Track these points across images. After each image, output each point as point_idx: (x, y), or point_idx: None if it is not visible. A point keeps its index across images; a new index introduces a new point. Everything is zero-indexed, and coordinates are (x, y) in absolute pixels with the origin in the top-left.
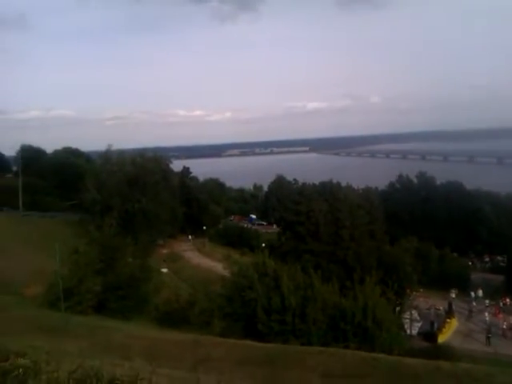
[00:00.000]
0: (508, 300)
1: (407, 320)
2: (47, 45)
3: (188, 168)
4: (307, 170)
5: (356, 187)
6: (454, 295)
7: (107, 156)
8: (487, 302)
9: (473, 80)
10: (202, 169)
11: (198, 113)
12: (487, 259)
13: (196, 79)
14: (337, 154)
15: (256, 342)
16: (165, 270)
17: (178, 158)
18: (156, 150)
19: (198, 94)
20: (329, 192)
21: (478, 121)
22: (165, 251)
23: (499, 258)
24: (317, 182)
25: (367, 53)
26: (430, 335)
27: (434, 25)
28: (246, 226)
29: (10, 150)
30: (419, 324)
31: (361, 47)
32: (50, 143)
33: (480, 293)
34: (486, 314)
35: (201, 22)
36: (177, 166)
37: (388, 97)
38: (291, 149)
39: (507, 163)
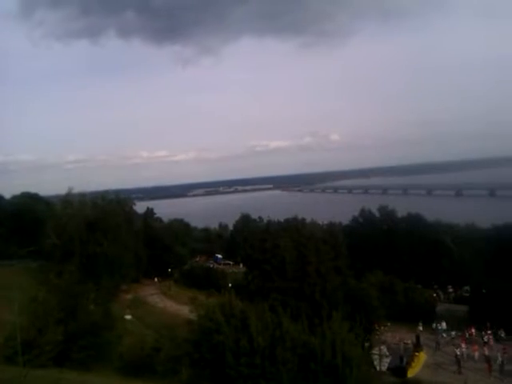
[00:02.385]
0: (473, 330)
1: (376, 356)
2: (4, 89)
3: (152, 209)
4: (272, 207)
5: (320, 223)
6: (421, 328)
7: (67, 200)
8: (453, 333)
9: (426, 117)
10: (166, 210)
11: (161, 153)
12: (451, 290)
13: (159, 120)
14: (300, 190)
15: None
16: (129, 317)
17: (141, 199)
18: (119, 192)
19: (161, 135)
20: (294, 228)
21: (435, 155)
22: (129, 296)
23: (465, 287)
24: (282, 219)
25: (327, 92)
26: (399, 370)
27: (390, 64)
28: (212, 266)
29: None
30: (388, 359)
31: (320, 87)
32: (8, 188)
33: (444, 325)
34: (463, 345)
35: (163, 65)
36: (141, 207)
37: (348, 134)
38: (255, 187)
39: (465, 194)
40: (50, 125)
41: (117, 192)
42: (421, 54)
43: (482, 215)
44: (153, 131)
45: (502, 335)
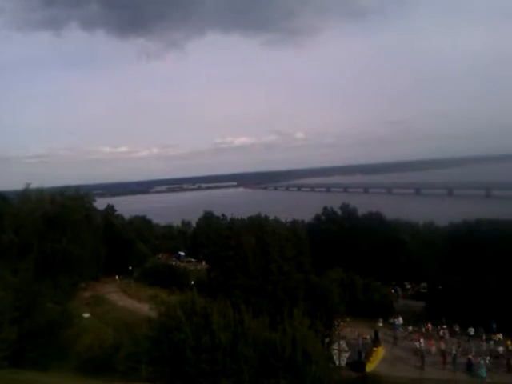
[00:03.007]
0: (430, 326)
1: (336, 351)
2: None
3: (112, 206)
4: (235, 204)
5: (284, 220)
6: (381, 324)
7: (25, 195)
8: (410, 328)
9: (388, 116)
10: (128, 206)
11: (123, 149)
12: (409, 286)
13: (122, 115)
14: (264, 188)
15: None
16: (87, 315)
17: (102, 195)
18: (79, 188)
19: (124, 130)
20: (257, 226)
21: (396, 154)
22: (87, 294)
23: (423, 284)
24: (245, 217)
25: (291, 90)
26: (358, 365)
27: (352, 63)
28: (174, 263)
29: None
30: (347, 354)
31: (285, 84)
32: None
33: (401, 320)
34: (421, 340)
35: (127, 59)
36: (101, 204)
37: (312, 132)
38: (219, 184)
39: (424, 194)
40: (8, 118)
41: (77, 188)
42: (385, 53)
43: (440, 214)
44: (115, 126)
45: (457, 329)
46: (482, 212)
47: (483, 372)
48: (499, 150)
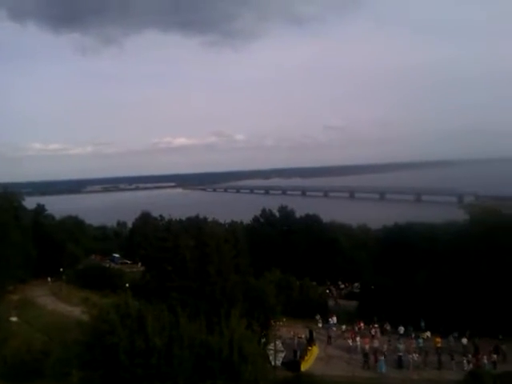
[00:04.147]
0: (362, 324)
1: (272, 351)
2: None
3: (43, 205)
4: (174, 205)
5: (222, 222)
6: (320, 324)
7: None
8: (343, 327)
9: (327, 121)
10: (59, 206)
11: (55, 146)
12: (343, 286)
13: (55, 111)
14: (203, 189)
15: None
16: (14, 319)
17: (32, 194)
18: (8, 186)
19: (56, 126)
20: (195, 227)
21: (334, 159)
22: (16, 297)
23: (356, 284)
24: (183, 218)
25: (232, 92)
26: (293, 364)
27: (293, 68)
28: (108, 265)
29: None
30: (283, 354)
31: (225, 86)
32: None
33: (334, 319)
34: (357, 339)
35: (61, 54)
36: (31, 203)
37: (252, 134)
38: (157, 184)
39: (358, 197)
40: None
41: (5, 186)
42: (325, 59)
43: (373, 216)
44: (47, 122)
45: (388, 328)
46: (413, 216)
47: (382, 367)
48: (432, 157)
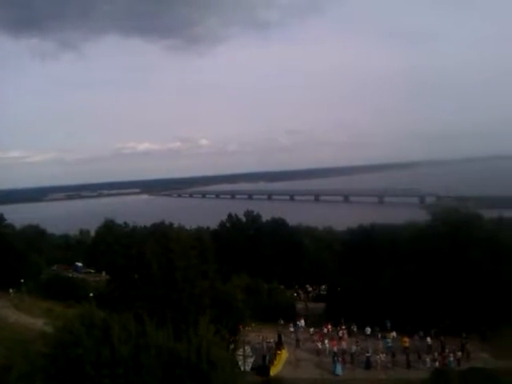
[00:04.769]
0: (330, 326)
1: (241, 356)
2: None
3: (1, 214)
4: (138, 212)
5: (188, 227)
6: (291, 329)
7: None
8: (312, 329)
9: (289, 125)
10: (19, 215)
11: (15, 154)
12: (310, 289)
13: (13, 118)
14: (168, 195)
15: None
16: None
17: None
18: None
19: (15, 133)
20: (161, 234)
21: (298, 162)
22: None
23: (323, 286)
24: (149, 224)
25: (195, 97)
26: (262, 369)
27: (255, 73)
28: (71, 275)
29: None
30: (252, 359)
31: (188, 91)
32: None
33: (302, 322)
34: (326, 341)
35: (20, 59)
36: None
37: (216, 140)
38: (121, 191)
39: (322, 200)
40: None
41: None
42: (286, 64)
43: (338, 219)
44: (5, 130)
45: (355, 329)
46: (376, 217)
47: (338, 369)
48: (395, 159)
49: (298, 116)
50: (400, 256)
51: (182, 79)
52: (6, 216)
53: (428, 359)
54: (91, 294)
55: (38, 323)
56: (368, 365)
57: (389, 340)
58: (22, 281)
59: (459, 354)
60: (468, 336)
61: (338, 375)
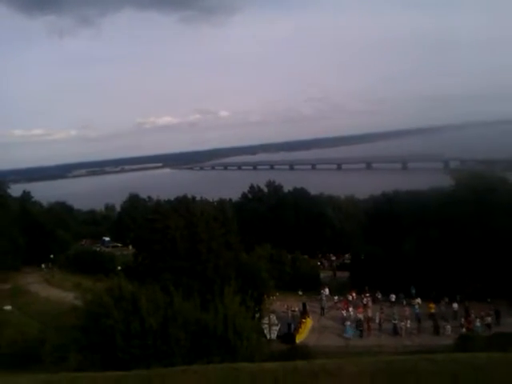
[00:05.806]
0: (354, 294)
1: (266, 325)
2: None
3: (29, 192)
4: (161, 186)
5: (211, 200)
6: (327, 291)
7: None
8: (336, 298)
9: (310, 93)
10: (46, 192)
11: (38, 132)
12: (333, 258)
13: (34, 96)
14: (190, 168)
15: (114, 372)
16: (8, 308)
17: (17, 181)
18: None
19: (37, 112)
20: (184, 207)
21: (319, 131)
22: (7, 286)
23: (346, 255)
24: (172, 198)
25: (213, 68)
26: (288, 337)
27: (273, 42)
28: (98, 249)
29: None
30: (277, 327)
31: (206, 63)
32: None
33: (327, 291)
34: (350, 309)
35: (38, 37)
36: (16, 190)
37: (236, 111)
38: (144, 165)
39: (345, 169)
40: None
41: None
42: (305, 32)
43: (361, 187)
44: (27, 108)
45: (379, 297)
46: (399, 184)
47: (348, 332)
48: (417, 124)
49: (317, 84)
50: (424, 223)
51: (198, 51)
52: (33, 194)
53: (448, 326)
54: (119, 268)
55: (69, 297)
56: (395, 331)
57: (416, 306)
58: (52, 256)
59: (489, 319)
60: (493, 301)
61: (348, 338)
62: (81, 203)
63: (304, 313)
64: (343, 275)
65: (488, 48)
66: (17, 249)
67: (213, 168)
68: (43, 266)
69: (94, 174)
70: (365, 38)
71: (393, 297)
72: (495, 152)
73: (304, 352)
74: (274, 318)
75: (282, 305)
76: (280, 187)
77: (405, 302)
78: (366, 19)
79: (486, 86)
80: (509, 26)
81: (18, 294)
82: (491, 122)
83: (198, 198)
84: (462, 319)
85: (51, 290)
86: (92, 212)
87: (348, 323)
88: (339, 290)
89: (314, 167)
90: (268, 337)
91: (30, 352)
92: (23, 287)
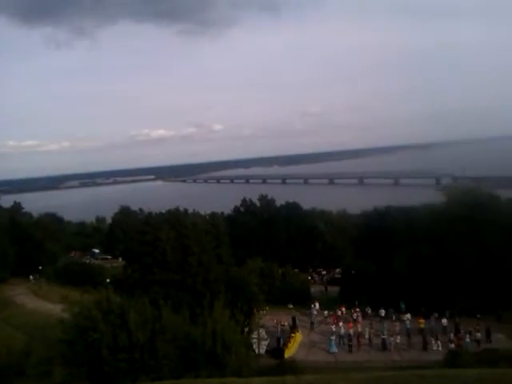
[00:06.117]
0: (344, 309)
1: (255, 339)
2: None
3: (19, 203)
4: (154, 198)
5: (203, 213)
6: (317, 306)
7: None
8: (326, 312)
9: (305, 108)
10: (36, 203)
11: (30, 143)
12: (324, 273)
13: (28, 107)
14: (183, 181)
15: None
16: None
17: (8, 192)
18: None
19: (30, 122)
20: (176, 219)
21: (311, 146)
22: None
23: (337, 270)
24: (164, 211)
25: (208, 81)
26: (277, 352)
27: (269, 56)
28: (88, 261)
29: None
30: (266, 342)
31: (202, 76)
32: None
33: (317, 305)
34: (340, 324)
35: (34, 48)
36: (8, 201)
37: (230, 124)
38: (136, 177)
39: (337, 183)
40: None
41: None
42: (301, 47)
43: (353, 202)
44: (20, 119)
45: (369, 312)
46: (391, 199)
47: (333, 348)
48: (410, 140)
49: (311, 99)
50: (415, 239)
51: (194, 64)
52: (24, 204)
53: (437, 341)
54: (108, 280)
55: (56, 309)
56: (384, 346)
57: (407, 322)
58: (40, 268)
59: (478, 335)
60: (483, 317)
61: (334, 353)
62: (72, 215)
63: (293, 327)
64: (333, 290)
65: (481, 65)
66: (5, 260)
67: (205, 181)
68: (31, 277)
69: (86, 185)
70: (358, 54)
71: (382, 312)
72: (487, 169)
73: (293, 367)
74: (263, 332)
75: (271, 319)
76: (272, 201)
77: (394, 317)
78: (361, 36)
79: (479, 104)
80: (498, 47)
81: (4, 305)
82: (483, 139)
83: (190, 211)
84: (452, 335)
85: (38, 302)
86: (82, 224)
87: (333, 338)
88: (329, 304)
89: (306, 181)
90: (257, 351)
91: (14, 365)
92: (9, 299)
